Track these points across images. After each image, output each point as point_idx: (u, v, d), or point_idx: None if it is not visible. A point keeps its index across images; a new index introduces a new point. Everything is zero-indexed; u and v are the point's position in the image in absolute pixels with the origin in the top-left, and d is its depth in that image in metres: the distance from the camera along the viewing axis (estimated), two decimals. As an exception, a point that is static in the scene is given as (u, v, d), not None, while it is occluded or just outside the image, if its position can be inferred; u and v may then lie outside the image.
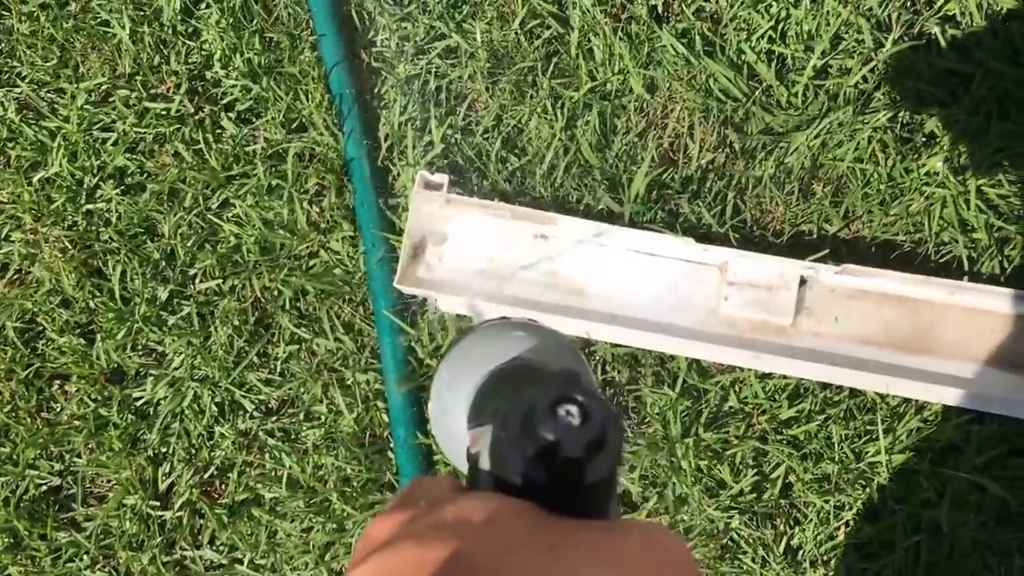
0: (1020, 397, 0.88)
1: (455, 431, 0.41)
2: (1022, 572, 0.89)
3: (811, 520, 0.92)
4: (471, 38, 1.01)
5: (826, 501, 0.91)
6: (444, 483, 0.32)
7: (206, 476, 0.99)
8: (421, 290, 0.95)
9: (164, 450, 1.00)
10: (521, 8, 1.00)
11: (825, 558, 0.92)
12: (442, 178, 0.96)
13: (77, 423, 1.01)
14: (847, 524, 0.91)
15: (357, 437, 0.97)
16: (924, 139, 0.97)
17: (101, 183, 1.04)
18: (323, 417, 0.98)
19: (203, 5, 1.06)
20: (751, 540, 0.92)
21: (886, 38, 0.95)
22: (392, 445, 0.96)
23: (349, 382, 0.98)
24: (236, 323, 1.00)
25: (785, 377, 0.93)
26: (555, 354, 0.41)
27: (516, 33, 1.00)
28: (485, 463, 0.31)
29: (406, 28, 1.03)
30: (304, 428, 0.98)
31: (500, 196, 0.99)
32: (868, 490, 0.91)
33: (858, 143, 0.96)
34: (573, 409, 0.27)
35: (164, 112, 1.03)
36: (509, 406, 0.29)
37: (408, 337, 0.96)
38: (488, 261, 0.96)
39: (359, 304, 1.00)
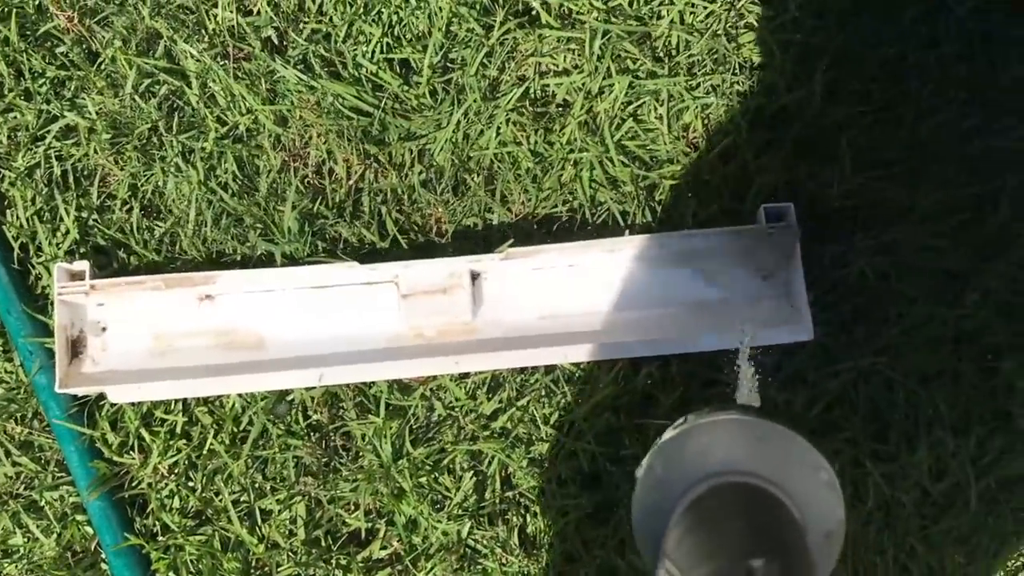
0: (692, 333, 0.98)
1: (656, 536, 0.37)
2: (740, 495, 0.99)
3: (538, 504, 0.99)
4: (86, 113, 1.03)
5: (548, 481, 0.99)
6: None
7: (-93, 649, 0.97)
8: (89, 388, 0.97)
9: None
10: (131, 70, 1.03)
11: (560, 536, 0.99)
12: (83, 265, 0.97)
13: None
14: (573, 498, 0.99)
15: (63, 559, 0.98)
16: (559, 109, 1.06)
17: None
18: (21, 548, 0.98)
19: None
20: (486, 542, 0.99)
21: (494, 21, 1.04)
22: (103, 556, 0.97)
23: (41, 503, 0.98)
24: (-100, 476, 0.98)
25: (479, 372, 1.00)
26: (801, 478, 0.36)
27: (131, 96, 1.03)
28: None
29: (15, 118, 1.04)
30: (4, 566, 0.98)
31: (152, 268, 1.01)
32: (580, 460, 0.99)
33: (498, 127, 1.04)
34: None
35: None
36: None
37: (90, 438, 0.98)
38: (155, 338, 0.99)
39: (32, 418, 1.00)
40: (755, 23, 1.04)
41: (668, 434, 0.38)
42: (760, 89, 1.03)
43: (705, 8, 1.04)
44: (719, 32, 1.03)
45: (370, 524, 0.98)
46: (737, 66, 1.03)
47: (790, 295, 0.99)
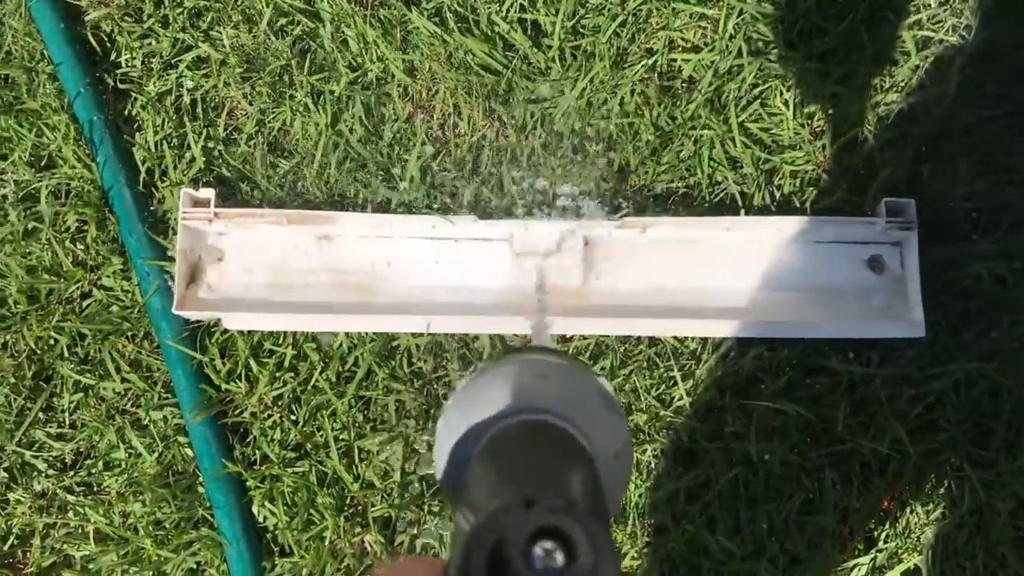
0: (804, 318, 0.99)
1: (457, 482, 0.38)
2: (834, 485, 1.00)
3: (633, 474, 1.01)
4: (219, 45, 1.06)
5: (643, 452, 1.00)
6: (422, 567, 0.31)
7: (6, 548, 1.01)
8: (204, 313, 1.00)
9: (-47, 529, 1.01)
10: (267, 7, 1.05)
11: (651, 508, 1.01)
12: (208, 193, 1.00)
13: None
14: (667, 471, 1.01)
15: (162, 477, 1.01)
16: (684, 85, 1.07)
17: None
18: (123, 463, 1.01)
19: (-76, 49, 1.07)
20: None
21: (630, -9, 1.05)
22: (200, 479, 1.00)
23: (145, 422, 1.01)
24: (13, 380, 1.01)
25: (585, 337, 1.02)
26: (584, 406, 0.37)
27: (265, 34, 1.06)
28: (452, 571, 0.28)
29: (150, 44, 1.07)
30: (105, 478, 1.01)
31: (274, 203, 1.04)
32: (680, 434, 1.00)
33: (622, 98, 1.05)
34: (554, 549, 0.24)
35: (-103, 169, 1.04)
36: (479, 521, 0.25)
37: (200, 363, 1.00)
38: (272, 271, 1.01)
39: (143, 339, 1.03)
40: (893, 17, 1.04)
41: (461, 384, 0.39)
42: (891, 84, 1.04)
43: (844, -3, 1.04)
44: (856, 22, 1.04)
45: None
46: (871, 59, 1.04)
47: (904, 291, 0.99)
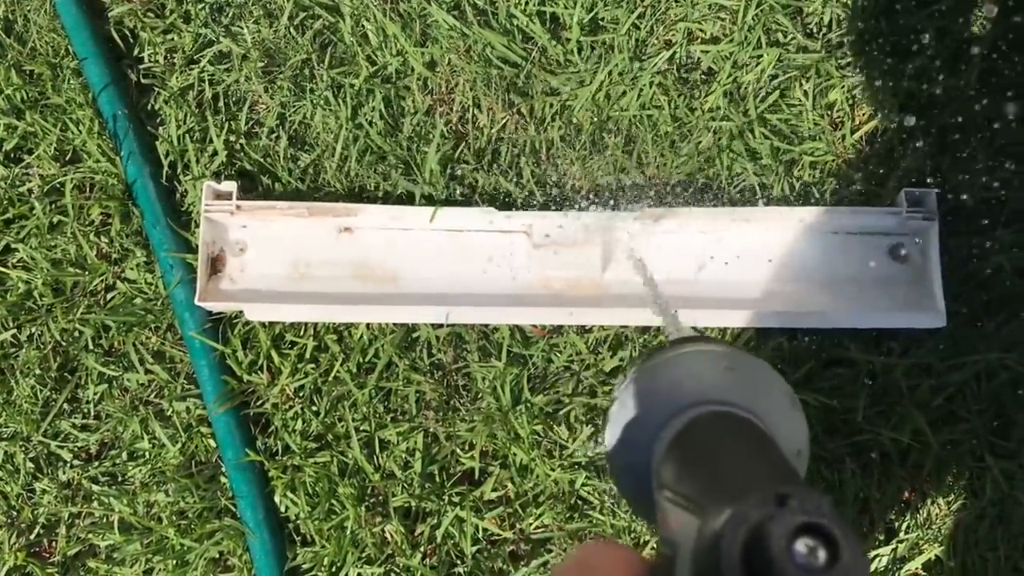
0: (824, 308, 1.00)
1: (638, 470, 0.38)
2: (854, 475, 1.01)
3: (650, 464, 1.02)
4: (241, 40, 1.08)
5: (662, 443, 1.02)
6: (620, 563, 0.29)
7: (32, 536, 1.03)
8: (226, 304, 1.01)
9: (-20, 519, 1.03)
10: (287, 2, 1.07)
11: (670, 499, 1.02)
12: (230, 186, 1.02)
13: None
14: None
15: (185, 468, 1.02)
16: (703, 76, 1.08)
17: None
18: (147, 453, 1.03)
19: (-49, 45, 1.09)
20: (597, 494, 1.02)
21: (649, -17, 1.06)
22: (223, 469, 1.02)
23: (168, 412, 1.03)
24: (38, 372, 1.04)
25: (604, 328, 1.03)
26: (771, 403, 0.38)
27: (286, 28, 1.08)
28: (685, 566, 0.27)
29: (172, 40, 1.09)
30: (129, 468, 1.03)
31: (295, 196, 1.06)
32: (699, 425, 1.01)
33: (640, 90, 1.06)
34: (816, 546, 0.23)
35: (-75, 164, 1.06)
36: (729, 516, 0.25)
37: (222, 355, 1.02)
38: (292, 264, 1.03)
39: (167, 331, 1.05)
40: (911, 7, 1.05)
41: (634, 372, 0.39)
42: (911, 73, 1.04)
43: (863, -13, 1.05)
44: (876, 12, 1.04)
45: (483, 465, 1.02)
46: (890, 48, 1.05)
47: (925, 281, 1.00)
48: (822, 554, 0.23)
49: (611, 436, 0.39)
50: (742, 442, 0.35)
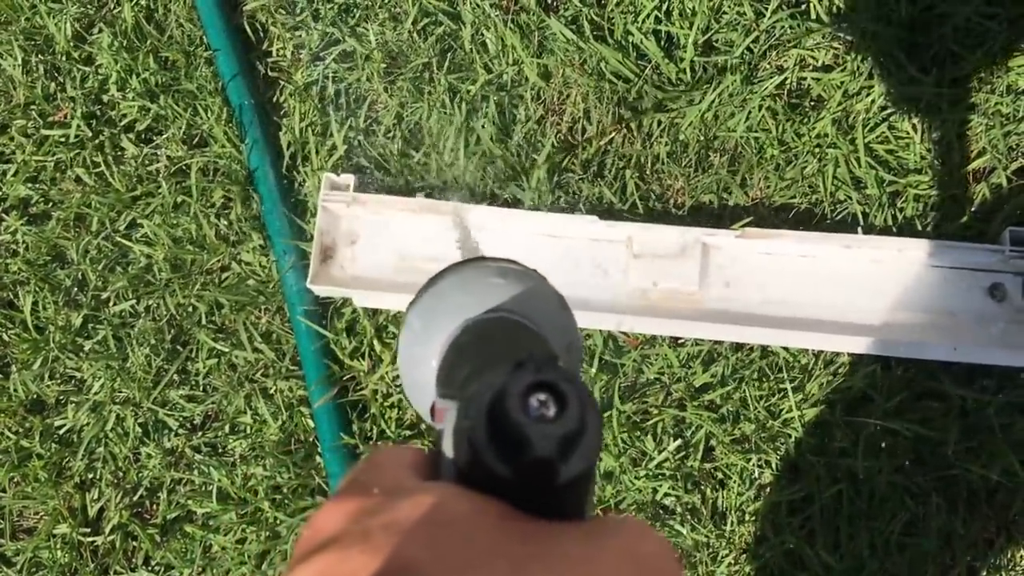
0: (920, 340, 1.04)
1: (424, 386, 0.42)
2: (939, 509, 1.04)
3: (735, 480, 1.06)
4: (365, 41, 1.16)
5: (747, 461, 1.06)
6: (404, 462, 0.32)
7: (136, 498, 1.11)
8: (335, 289, 1.09)
9: (91, 476, 1.12)
10: (413, 7, 1.15)
11: (752, 516, 1.06)
12: (348, 178, 1.10)
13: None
14: (770, 481, 1.06)
15: (283, 444, 1.10)
16: (812, 103, 1.13)
17: (4, 215, 1.17)
18: (248, 428, 1.11)
19: (95, 29, 1.19)
20: (680, 505, 1.06)
21: (766, 8, 1.12)
22: (319, 449, 1.09)
23: (271, 391, 1.11)
24: (153, 342, 1.12)
25: (698, 343, 1.08)
26: (540, 305, 0.42)
27: (409, 32, 1.15)
28: (448, 448, 0.31)
29: (300, 36, 1.17)
30: (230, 440, 1.11)
31: (406, 194, 1.13)
32: (786, 446, 1.06)
33: (749, 112, 1.12)
34: (547, 398, 0.27)
35: (63, 139, 1.16)
36: (476, 388, 0.29)
37: (327, 340, 1.10)
38: (400, 257, 1.10)
39: (275, 313, 1.13)
40: (1030, 47, 1.08)
41: (417, 294, 0.43)
42: (1022, 116, 1.08)
43: (981, 25, 1.09)
44: (992, 51, 1.08)
45: (569, 468, 1.07)
46: (1004, 88, 1.08)
47: (1023, 320, 1.03)
48: (552, 407, 0.27)
49: (401, 358, 0.43)
50: (507, 336, 0.39)
